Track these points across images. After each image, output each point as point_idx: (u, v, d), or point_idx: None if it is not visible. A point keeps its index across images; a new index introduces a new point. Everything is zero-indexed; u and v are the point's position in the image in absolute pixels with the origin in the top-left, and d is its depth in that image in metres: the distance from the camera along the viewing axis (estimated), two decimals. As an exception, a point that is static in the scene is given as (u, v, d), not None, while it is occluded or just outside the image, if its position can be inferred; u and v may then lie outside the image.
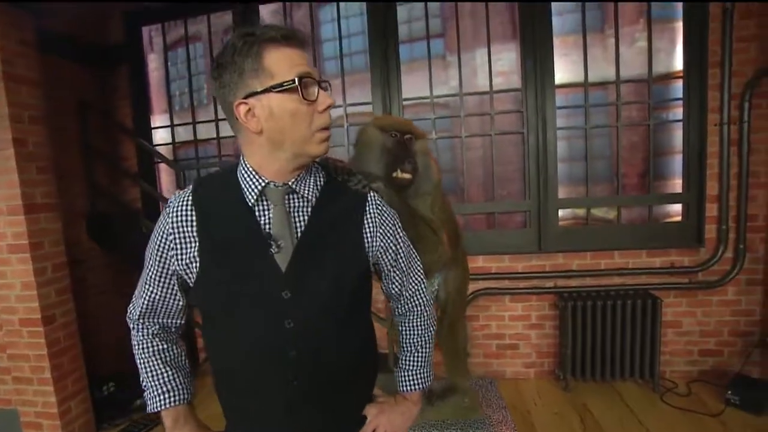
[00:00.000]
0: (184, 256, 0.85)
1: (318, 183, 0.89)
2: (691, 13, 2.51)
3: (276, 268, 0.82)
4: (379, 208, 0.93)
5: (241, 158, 0.86)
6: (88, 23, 2.97)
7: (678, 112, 2.61)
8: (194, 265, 0.84)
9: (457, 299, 1.64)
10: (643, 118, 2.67)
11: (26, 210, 2.18)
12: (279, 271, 0.82)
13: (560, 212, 2.78)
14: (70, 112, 2.87)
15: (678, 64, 2.58)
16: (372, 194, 0.93)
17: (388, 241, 0.93)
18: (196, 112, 3.13)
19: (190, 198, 0.86)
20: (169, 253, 0.86)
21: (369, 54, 2.84)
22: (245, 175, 0.84)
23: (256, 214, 0.84)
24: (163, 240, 0.86)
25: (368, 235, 0.90)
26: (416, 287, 1.03)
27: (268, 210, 0.84)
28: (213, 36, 3.00)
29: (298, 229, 0.85)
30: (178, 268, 0.86)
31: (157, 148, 3.13)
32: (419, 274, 1.04)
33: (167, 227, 0.85)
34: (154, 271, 0.88)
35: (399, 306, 1.04)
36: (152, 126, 3.19)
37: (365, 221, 0.90)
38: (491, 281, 2.81)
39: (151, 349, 0.93)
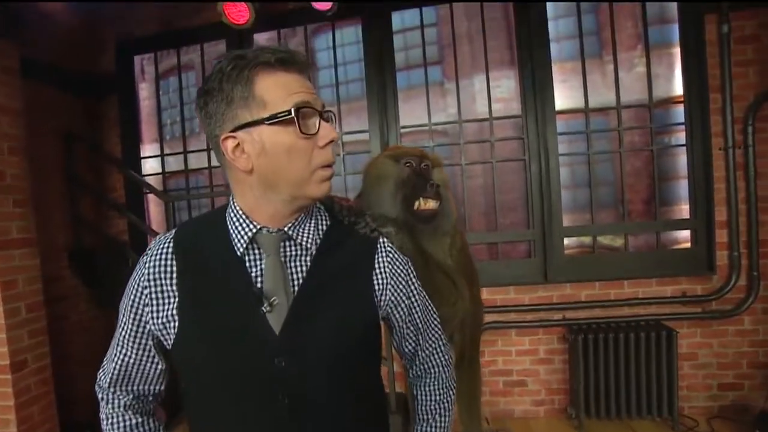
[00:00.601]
0: (160, 314, 0.72)
1: (320, 227, 0.77)
2: (687, 37, 2.51)
3: (268, 330, 0.69)
4: (391, 255, 0.81)
5: (230, 199, 0.74)
6: (80, 52, 2.90)
7: (681, 137, 2.58)
8: (172, 325, 0.71)
9: (475, 335, 1.47)
10: (646, 143, 2.62)
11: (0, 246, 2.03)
12: (272, 335, 0.69)
13: (566, 241, 2.69)
14: (56, 141, 2.77)
15: (678, 88, 2.56)
16: (382, 240, 0.82)
17: (401, 294, 0.81)
18: (188, 141, 3.04)
19: (171, 245, 0.74)
20: (145, 309, 0.73)
21: (365, 82, 2.80)
22: (234, 220, 0.72)
23: (247, 265, 0.72)
24: (138, 294, 0.73)
25: (378, 287, 0.78)
26: (434, 346, 0.89)
27: (261, 260, 0.72)
28: (206, 65, 2.95)
29: (296, 284, 0.72)
30: (153, 327, 0.73)
31: (146, 178, 3.02)
32: (437, 330, 0.90)
33: (143, 279, 0.73)
34: (128, 330, 0.75)
35: (414, 367, 0.90)
36: (142, 156, 3.09)
37: (375, 272, 0.78)
38: (496, 314, 2.67)
39: (122, 425, 0.78)
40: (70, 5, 2.62)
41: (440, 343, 0.90)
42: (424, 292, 0.88)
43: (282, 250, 0.73)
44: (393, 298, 0.80)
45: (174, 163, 3.07)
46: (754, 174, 2.43)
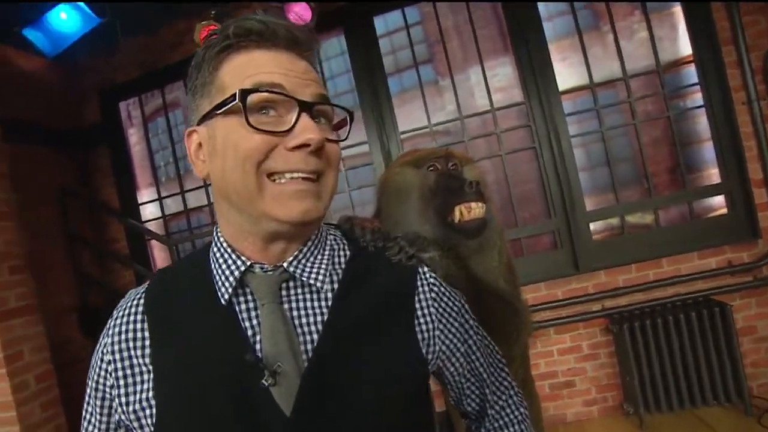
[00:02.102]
0: (131, 398, 0.54)
1: (337, 260, 0.60)
2: (687, -5, 2.37)
3: (274, 412, 0.51)
4: (436, 290, 0.62)
5: (215, 230, 0.59)
6: (62, 107, 2.84)
7: (697, 98, 2.42)
8: (147, 413, 0.53)
9: (526, 353, 1.23)
10: (661, 110, 2.47)
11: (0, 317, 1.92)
12: (280, 417, 0.51)
13: (592, 225, 2.52)
14: (50, 200, 2.68)
15: (685, 48, 2.42)
16: (422, 270, 0.63)
17: (455, 340, 0.62)
18: (184, 180, 2.94)
19: (141, 303, 0.58)
20: (111, 393, 0.56)
21: (357, 92, 2.69)
22: (218, 256, 0.56)
23: (239, 317, 0.54)
24: (102, 371, 0.56)
25: (424, 335, 0.59)
26: (504, 398, 0.69)
27: (256, 310, 0.55)
28: (192, 100, 2.87)
29: (308, 341, 0.54)
30: (124, 417, 0.55)
31: (147, 224, 2.93)
32: (504, 377, 0.70)
33: (106, 351, 0.56)
34: (95, 421, 0.58)
35: (482, 428, 0.70)
36: (139, 202, 2.99)
37: (417, 314, 0.59)
38: (530, 314, 2.50)
39: None
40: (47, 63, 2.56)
41: (511, 392, 0.70)
42: (482, 331, 0.68)
43: (285, 294, 0.55)
44: (445, 347, 0.61)
45: (173, 205, 2.98)
46: (785, 124, 2.26)
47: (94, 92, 2.93)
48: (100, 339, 0.58)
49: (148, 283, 0.61)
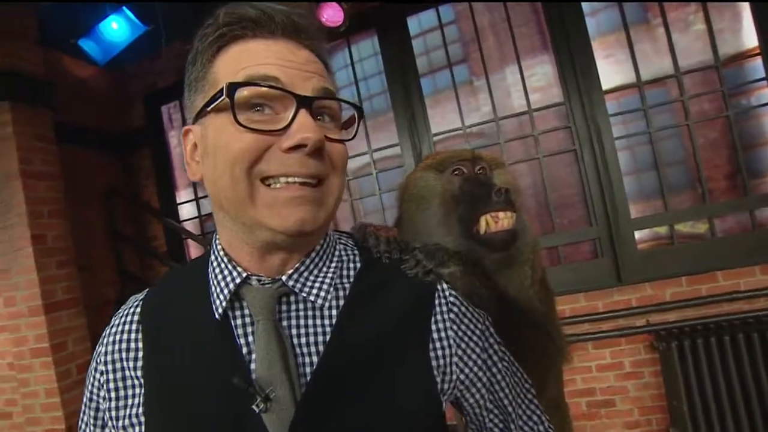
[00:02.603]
0: (121, 413, 0.51)
1: (345, 273, 0.54)
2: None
3: None
4: (456, 310, 0.55)
5: (214, 237, 0.55)
6: (110, 111, 3.00)
7: (764, 94, 2.18)
8: (135, 431, 0.50)
9: (560, 375, 1.10)
10: (719, 109, 2.25)
11: (46, 309, 2.05)
12: None
13: (637, 234, 2.34)
14: (97, 200, 2.84)
15: (749, 40, 2.19)
16: (442, 286, 0.56)
17: (476, 366, 0.55)
18: (220, 181, 3.02)
19: (138, 311, 0.55)
20: (103, 405, 0.53)
21: (389, 93, 2.66)
22: (214, 266, 0.52)
23: (234, 334, 0.50)
24: (96, 381, 0.54)
25: (439, 361, 0.52)
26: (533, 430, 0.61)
27: (253, 326, 0.50)
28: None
29: (306, 366, 0.49)
30: (113, 431, 0.53)
31: (184, 223, 3.03)
32: (534, 410, 0.61)
33: (100, 361, 0.54)
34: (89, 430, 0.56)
35: None
36: (178, 202, 3.11)
37: (433, 337, 0.52)
38: (567, 326, 2.35)
39: None
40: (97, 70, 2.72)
41: (541, 428, 0.61)
42: (509, 356, 0.60)
43: (285, 309, 0.50)
44: (464, 376, 0.54)
45: (209, 205, 3.07)
46: None
47: (138, 97, 3.08)
48: (97, 347, 0.56)
49: (144, 293, 0.58)
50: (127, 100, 3.08)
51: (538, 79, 2.50)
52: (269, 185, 0.45)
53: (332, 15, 2.32)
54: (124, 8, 2.37)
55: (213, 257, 0.53)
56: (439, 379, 0.51)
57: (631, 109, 2.34)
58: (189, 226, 3.03)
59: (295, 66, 0.46)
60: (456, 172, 0.86)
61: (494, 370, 0.57)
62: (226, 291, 0.49)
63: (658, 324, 2.25)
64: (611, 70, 2.36)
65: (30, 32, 2.25)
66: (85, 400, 0.56)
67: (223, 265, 0.51)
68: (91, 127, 2.85)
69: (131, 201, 3.03)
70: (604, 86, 2.33)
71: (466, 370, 0.54)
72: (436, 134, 2.61)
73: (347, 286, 0.53)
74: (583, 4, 2.34)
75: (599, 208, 2.35)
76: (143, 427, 0.50)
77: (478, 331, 0.56)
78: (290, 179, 0.45)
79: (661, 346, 2.16)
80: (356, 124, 0.53)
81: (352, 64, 2.75)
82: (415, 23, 2.64)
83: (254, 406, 0.45)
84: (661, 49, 2.28)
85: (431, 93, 2.66)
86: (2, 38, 2.12)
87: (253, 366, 0.48)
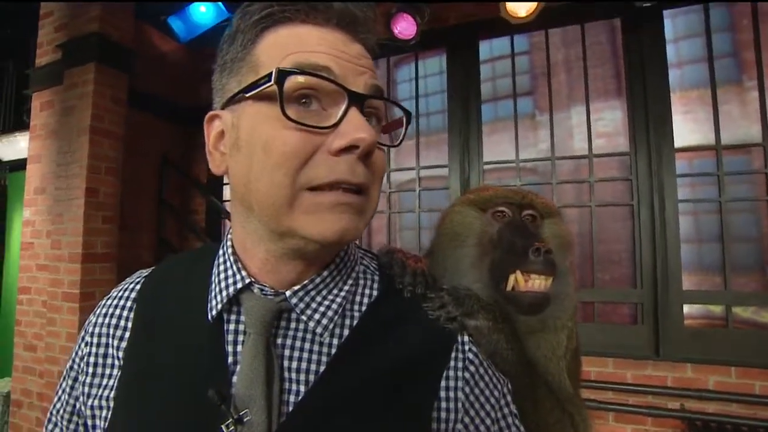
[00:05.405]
0: (93, 392, 0.48)
1: (357, 299, 0.48)
2: None
3: None
4: (473, 369, 0.48)
5: (227, 230, 0.52)
6: (181, 86, 3.17)
7: None
8: (101, 416, 0.47)
9: None
10: (806, 190, 2.03)
11: (84, 259, 2.16)
12: None
13: (686, 308, 2.13)
14: (152, 166, 3.00)
15: None
16: (463, 338, 0.50)
17: None
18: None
19: (136, 290, 0.52)
20: (79, 379, 0.50)
21: (447, 113, 2.62)
22: (220, 261, 0.48)
23: (224, 339, 0.45)
24: (80, 350, 0.51)
25: (441, 425, 0.45)
26: None
27: (243, 335, 0.45)
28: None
29: (291, 393, 0.43)
30: (82, 409, 0.49)
31: (226, 204, 3.13)
32: None
33: (87, 331, 0.51)
34: (63, 402, 0.52)
35: None
36: (224, 182, 3.22)
37: (440, 395, 0.45)
38: (589, 390, 2.17)
39: None
40: (179, 46, 2.89)
41: None
42: (522, 429, 0.51)
43: (284, 325, 0.45)
44: None
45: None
46: None
47: (210, 77, 3.22)
48: (90, 316, 0.54)
49: (149, 271, 0.55)
50: (199, 77, 3.25)
51: (605, 124, 2.37)
52: (313, 190, 0.41)
53: (405, 28, 2.33)
54: (217, -5, 2.53)
55: (221, 252, 0.49)
56: None
57: (704, 172, 2.16)
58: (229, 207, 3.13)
59: (349, 59, 0.42)
60: (499, 214, 0.76)
61: None
62: (224, 293, 0.45)
63: (695, 412, 2.02)
64: (688, 128, 2.19)
65: (129, 5, 2.45)
66: (67, 367, 0.53)
67: (228, 264, 0.47)
68: (162, 97, 3.02)
69: (182, 173, 3.17)
70: (677, 143, 2.17)
71: None
72: (487, 162, 2.54)
73: (357, 314, 0.47)
74: (670, 55, 2.19)
75: (648, 271, 2.17)
76: (109, 413, 0.46)
77: (493, 399, 0.48)
78: (334, 181, 0.40)
79: (694, 437, 1.94)
80: (404, 129, 0.47)
81: (416, 78, 2.74)
82: (486, 48, 2.59)
83: (224, 426, 0.41)
84: (752, 114, 2.09)
85: (490, 120, 2.59)
86: (104, 6, 2.31)
87: (235, 378, 0.43)
